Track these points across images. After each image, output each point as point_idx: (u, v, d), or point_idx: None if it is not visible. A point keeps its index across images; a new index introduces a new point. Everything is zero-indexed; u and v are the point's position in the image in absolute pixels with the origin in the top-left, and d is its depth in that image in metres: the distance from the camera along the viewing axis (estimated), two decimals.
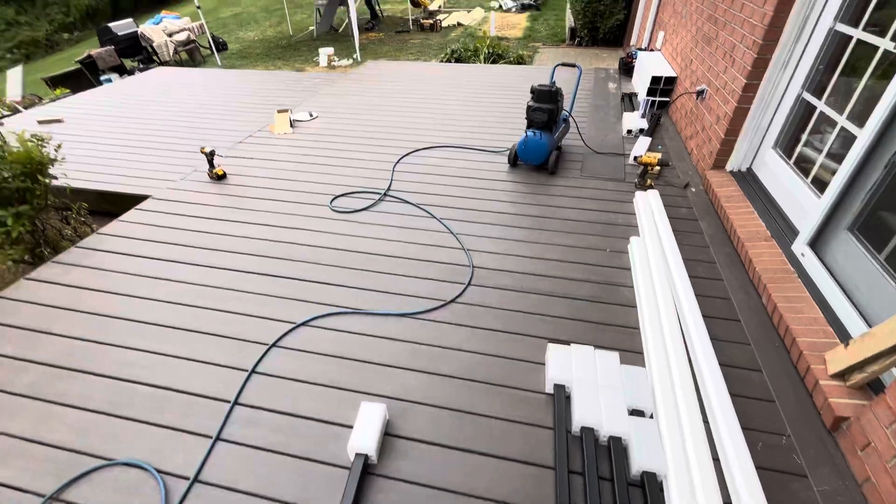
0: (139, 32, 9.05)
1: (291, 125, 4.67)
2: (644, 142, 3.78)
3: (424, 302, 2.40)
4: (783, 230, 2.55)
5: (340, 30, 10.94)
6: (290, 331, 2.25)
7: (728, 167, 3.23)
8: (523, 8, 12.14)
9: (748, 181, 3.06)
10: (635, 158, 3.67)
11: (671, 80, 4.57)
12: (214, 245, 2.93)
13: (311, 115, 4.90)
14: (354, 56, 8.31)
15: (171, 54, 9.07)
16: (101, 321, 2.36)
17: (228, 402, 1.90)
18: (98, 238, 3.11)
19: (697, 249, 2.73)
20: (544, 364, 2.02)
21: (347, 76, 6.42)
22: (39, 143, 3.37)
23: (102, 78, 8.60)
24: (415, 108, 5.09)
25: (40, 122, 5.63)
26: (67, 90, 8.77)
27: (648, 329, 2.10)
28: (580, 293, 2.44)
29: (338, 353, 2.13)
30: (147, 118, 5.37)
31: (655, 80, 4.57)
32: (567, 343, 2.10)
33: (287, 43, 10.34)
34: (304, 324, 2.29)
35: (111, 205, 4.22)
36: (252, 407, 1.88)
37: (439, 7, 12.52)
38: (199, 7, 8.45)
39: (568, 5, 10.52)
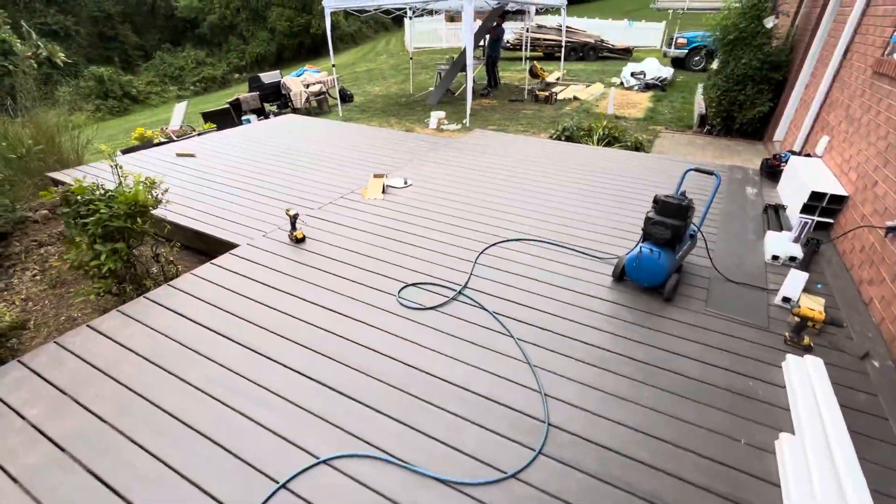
0: (281, 82, 10.20)
1: (384, 191, 4.55)
2: (798, 278, 2.92)
3: (475, 467, 1.85)
4: None
5: (457, 93, 11.33)
6: (308, 468, 1.83)
7: None
8: (647, 87, 11.60)
9: None
10: (786, 300, 2.83)
11: (839, 200, 3.65)
12: (266, 322, 2.70)
13: (405, 183, 4.77)
14: (464, 121, 8.37)
15: (303, 102, 10.03)
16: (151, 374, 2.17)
17: None
18: (188, 280, 3.08)
19: (890, 474, 1.84)
20: None
21: (453, 142, 6.35)
22: (150, 186, 3.56)
23: (243, 118, 9.69)
24: (514, 187, 4.72)
25: (178, 155, 6.28)
26: (214, 125, 10.03)
27: None
28: None
29: None
30: (260, 161, 5.69)
31: (816, 196, 3.69)
32: None
33: (405, 101, 10.91)
34: (326, 461, 1.86)
35: (204, 244, 4.37)
36: None
37: (557, 79, 12.48)
38: (333, 65, 9.32)
39: (699, 90, 9.76)
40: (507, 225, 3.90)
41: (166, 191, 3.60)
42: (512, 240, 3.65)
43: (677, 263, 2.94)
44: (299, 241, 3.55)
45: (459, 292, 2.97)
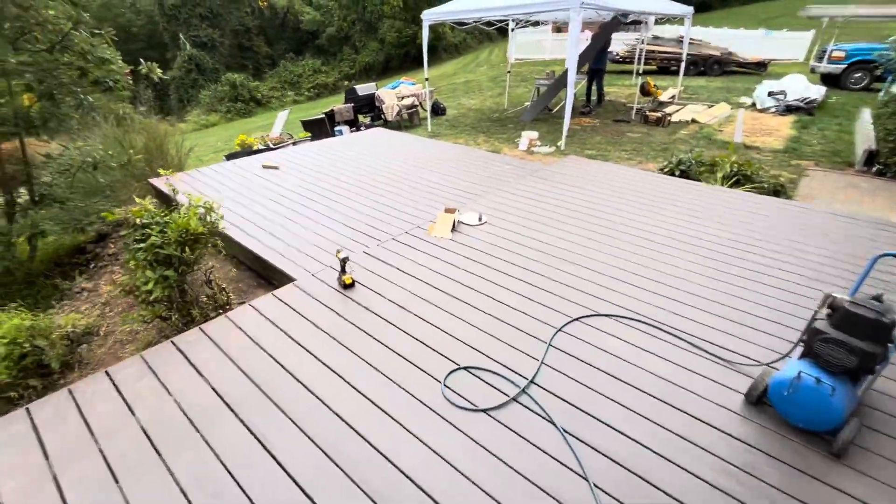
0: (375, 94, 10.24)
1: (454, 227, 4.00)
2: None
3: None
4: None
5: (555, 110, 10.48)
6: None
7: None
8: (788, 110, 9.69)
9: None
10: None
11: None
12: (280, 391, 2.27)
13: (479, 220, 4.16)
14: (559, 144, 7.55)
15: (394, 115, 9.96)
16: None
17: None
18: (241, 312, 2.81)
19: None
20: None
21: (543, 170, 5.62)
22: (208, 210, 3.39)
23: (336, 129, 9.86)
24: (610, 237, 3.88)
25: (264, 167, 6.37)
26: (309, 134, 10.37)
27: None
28: None
29: None
30: (337, 180, 5.48)
31: None
32: None
33: (498, 116, 10.34)
34: None
35: (261, 267, 4.19)
36: None
37: (672, 97, 11.00)
38: (427, 79, 9.07)
39: (864, 116, 7.84)
40: (596, 291, 3.10)
41: (221, 216, 3.41)
42: (602, 315, 2.86)
43: (858, 401, 1.95)
44: (347, 286, 3.13)
45: (523, 390, 2.28)
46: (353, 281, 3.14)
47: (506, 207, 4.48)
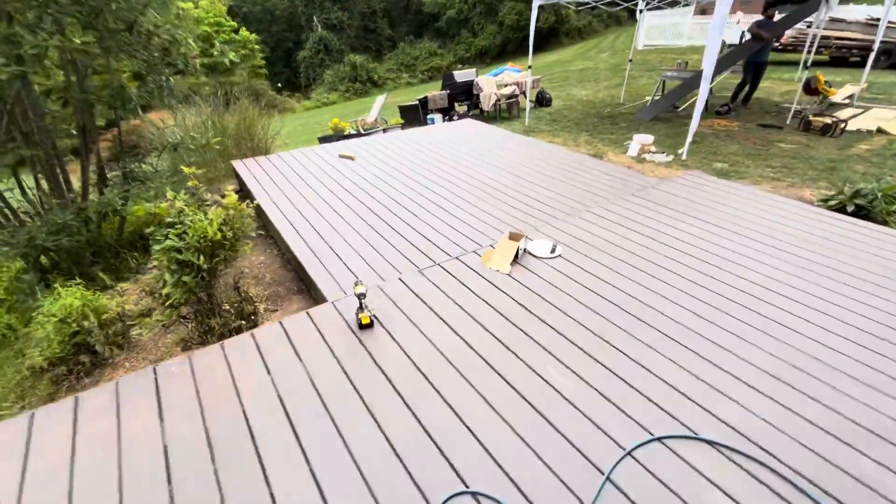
0: (474, 81, 9.51)
1: (517, 257, 3.21)
2: None
3: None
4: None
5: (682, 108, 8.78)
6: None
7: None
8: None
9: None
10: None
11: None
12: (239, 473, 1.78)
13: (552, 251, 3.31)
14: (680, 152, 6.15)
15: (490, 105, 9.17)
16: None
17: None
18: (267, 331, 2.45)
19: None
20: None
21: (652, 186, 4.48)
22: (238, 213, 3.07)
23: (428, 117, 9.39)
24: (732, 307, 2.77)
25: (340, 156, 6.11)
26: (402, 121, 10.06)
27: None
28: None
29: None
30: (409, 178, 4.98)
31: None
32: None
33: (610, 112, 8.98)
34: None
35: (303, 275, 3.85)
36: None
37: (850, 98, 8.52)
38: (529, 67, 8.08)
39: None
40: (698, 394, 2.13)
41: (249, 225, 3.06)
42: (702, 440, 1.91)
43: None
44: (363, 326, 2.56)
45: None
46: (372, 320, 2.57)
47: (591, 238, 3.54)
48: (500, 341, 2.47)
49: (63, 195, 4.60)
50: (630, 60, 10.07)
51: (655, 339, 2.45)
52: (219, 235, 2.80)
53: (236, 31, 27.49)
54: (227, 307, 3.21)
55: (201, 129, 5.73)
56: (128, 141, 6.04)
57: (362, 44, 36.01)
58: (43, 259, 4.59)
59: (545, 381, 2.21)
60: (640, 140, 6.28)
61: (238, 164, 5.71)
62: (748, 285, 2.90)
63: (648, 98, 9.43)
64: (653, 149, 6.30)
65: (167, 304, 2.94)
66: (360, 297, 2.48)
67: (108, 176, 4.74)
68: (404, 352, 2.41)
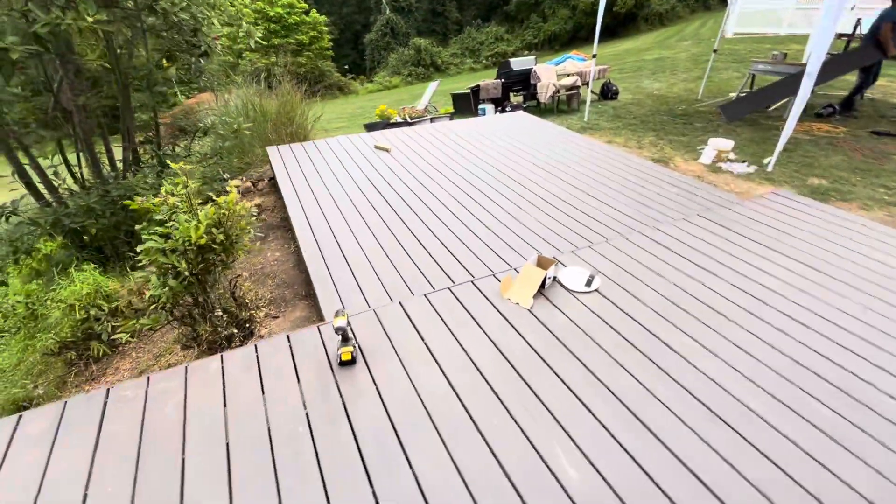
0: (532, 70, 8.77)
1: (543, 288, 2.68)
2: None
3: None
4: None
5: (772, 108, 7.55)
6: None
7: None
8: None
9: None
10: None
11: None
12: None
13: (588, 283, 2.74)
14: (766, 161, 5.19)
15: (548, 97, 8.42)
16: None
17: None
18: (238, 356, 2.17)
19: None
20: None
21: (724, 205, 3.71)
22: (234, 212, 2.79)
23: (480, 107, 8.83)
24: (822, 391, 2.10)
25: (376, 147, 5.78)
26: (451, 110, 9.56)
27: None
28: None
29: None
30: (441, 174, 4.54)
31: None
32: None
33: (685, 109, 7.93)
34: None
35: (310, 283, 3.56)
36: None
37: None
38: (594, 55, 7.24)
39: None
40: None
41: (246, 229, 2.78)
42: None
43: None
44: (344, 363, 2.19)
45: None
46: (354, 357, 2.18)
47: (639, 269, 2.91)
48: (499, 399, 2.00)
49: (100, 175, 4.64)
50: (715, 50, 8.85)
51: (702, 419, 1.86)
52: (204, 240, 2.53)
53: (307, 13, 28.12)
54: (220, 313, 2.98)
55: (241, 113, 5.62)
56: (178, 124, 6.08)
57: (429, 27, 35.62)
58: (85, 236, 4.67)
59: (548, 467, 1.71)
60: (717, 145, 5.37)
61: (272, 151, 5.54)
62: (850, 359, 2.19)
63: (733, 94, 8.24)
64: (731, 156, 5.38)
65: (153, 306, 2.74)
66: (339, 331, 2.10)
67: (140, 158, 4.73)
68: (382, 401, 2.00)
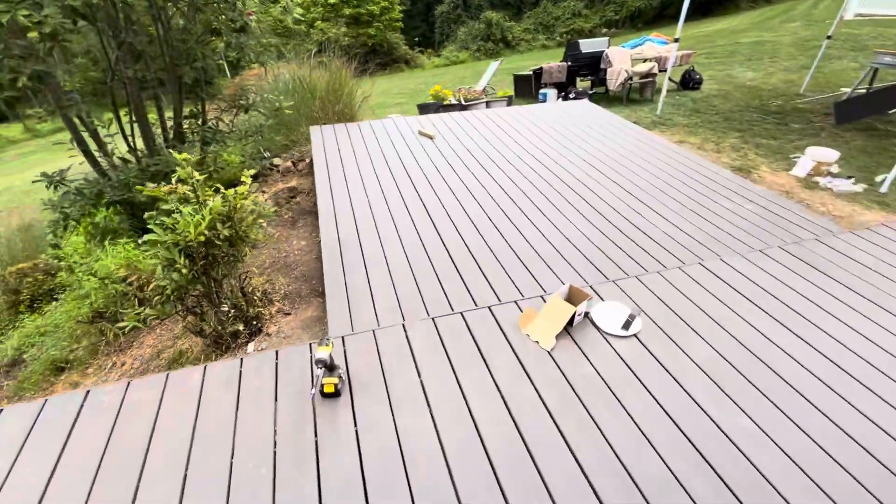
0: (604, 53, 7.93)
1: (571, 325, 2.28)
2: None
3: None
4: None
5: (893, 111, 6.27)
6: None
7: None
8: None
9: None
10: None
11: None
12: None
13: (626, 324, 2.29)
14: (879, 180, 4.27)
15: (618, 84, 7.57)
16: None
17: None
18: (220, 368, 2.07)
19: None
20: None
21: (822, 242, 3.04)
22: (242, 207, 2.62)
23: (541, 92, 8.19)
24: None
25: (420, 133, 5.47)
26: (510, 93, 8.96)
27: None
28: None
29: None
30: (482, 169, 4.16)
31: None
32: None
33: (782, 106, 6.81)
34: None
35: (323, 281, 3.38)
36: None
37: None
38: (677, 39, 6.32)
39: None
40: None
41: (258, 225, 2.61)
42: None
43: None
44: (326, 395, 1.95)
45: None
46: (338, 389, 1.94)
47: (693, 312, 2.41)
48: (493, 469, 1.67)
49: (150, 147, 4.72)
50: (829, 36, 7.49)
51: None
52: (203, 237, 2.37)
53: None
54: (226, 308, 2.86)
55: (287, 89, 5.50)
56: (226, 100, 6.11)
57: (503, 0, 34.10)
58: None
59: None
60: (817, 154, 4.50)
61: (314, 131, 5.40)
62: None
63: (846, 89, 6.97)
64: (834, 170, 4.48)
65: (157, 297, 2.67)
66: (320, 363, 1.85)
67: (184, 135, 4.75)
68: (358, 448, 1.75)
